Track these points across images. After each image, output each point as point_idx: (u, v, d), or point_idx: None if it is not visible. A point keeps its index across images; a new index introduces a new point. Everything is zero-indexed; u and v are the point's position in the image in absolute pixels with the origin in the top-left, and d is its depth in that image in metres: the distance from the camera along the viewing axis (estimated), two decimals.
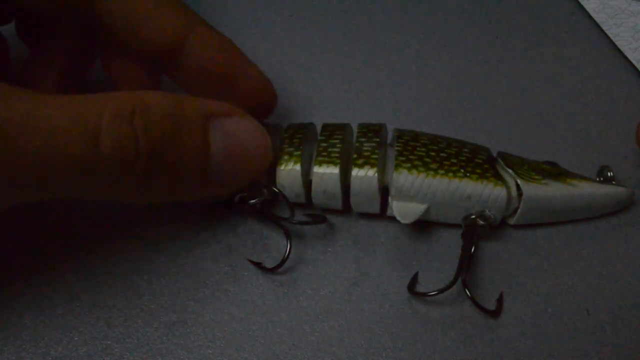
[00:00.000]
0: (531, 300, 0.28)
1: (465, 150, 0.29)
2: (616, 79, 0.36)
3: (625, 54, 0.37)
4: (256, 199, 0.29)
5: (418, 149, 0.28)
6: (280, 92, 0.31)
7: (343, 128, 0.30)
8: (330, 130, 0.30)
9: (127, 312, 0.27)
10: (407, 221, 0.28)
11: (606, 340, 0.27)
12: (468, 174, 0.28)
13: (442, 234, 0.30)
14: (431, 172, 0.28)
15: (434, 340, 0.27)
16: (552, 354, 0.26)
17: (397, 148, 0.29)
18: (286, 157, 0.29)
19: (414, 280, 0.28)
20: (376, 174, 0.28)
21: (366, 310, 0.27)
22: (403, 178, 0.28)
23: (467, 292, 0.26)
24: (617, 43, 0.38)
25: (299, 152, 0.29)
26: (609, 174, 0.30)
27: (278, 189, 0.29)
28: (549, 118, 0.35)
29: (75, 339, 0.27)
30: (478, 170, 0.28)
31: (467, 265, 0.27)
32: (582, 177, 0.30)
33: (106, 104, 0.23)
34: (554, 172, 0.29)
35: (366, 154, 0.28)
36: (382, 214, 0.29)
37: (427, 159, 0.28)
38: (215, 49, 0.29)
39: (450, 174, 0.28)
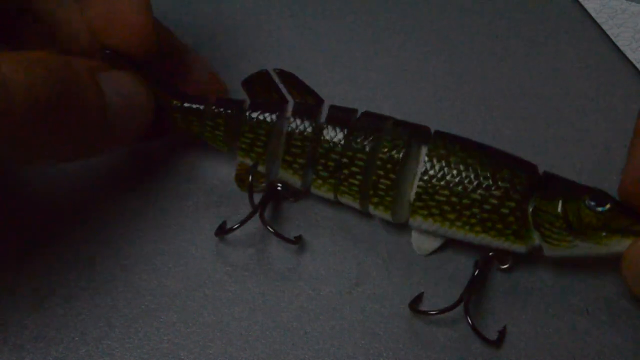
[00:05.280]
0: (531, 301, 0.28)
1: (495, 192, 0.27)
2: (616, 79, 0.36)
3: (626, 54, 0.37)
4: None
5: (440, 192, 0.27)
6: None
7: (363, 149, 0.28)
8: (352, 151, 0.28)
9: (127, 312, 0.27)
10: (422, 254, 0.29)
11: (606, 340, 0.27)
12: (486, 230, 0.27)
13: None
14: (447, 223, 0.27)
15: (434, 340, 0.27)
16: (553, 354, 0.26)
17: (418, 189, 0.27)
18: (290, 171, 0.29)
19: (418, 299, 0.27)
20: (390, 216, 0.28)
21: (367, 311, 0.27)
22: (418, 223, 0.28)
23: (469, 320, 0.26)
24: (617, 43, 0.38)
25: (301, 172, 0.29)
26: None
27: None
28: (549, 118, 0.35)
29: (76, 339, 0.27)
30: (499, 226, 0.27)
31: (473, 291, 0.27)
32: (632, 232, 0.26)
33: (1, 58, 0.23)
34: (594, 224, 0.26)
35: (381, 193, 0.28)
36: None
37: (446, 207, 0.27)
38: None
39: (467, 227, 0.27)
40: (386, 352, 0.26)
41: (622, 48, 0.37)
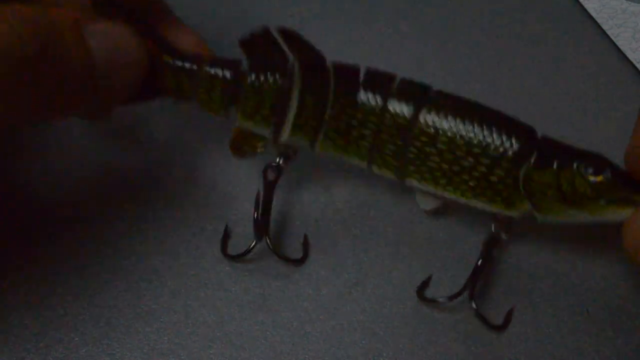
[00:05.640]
0: (531, 301, 0.28)
1: (484, 160, 0.26)
2: (616, 79, 0.36)
3: (626, 54, 0.37)
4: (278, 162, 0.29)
5: (431, 157, 0.27)
6: None
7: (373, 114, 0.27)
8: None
9: (127, 312, 0.27)
10: (427, 208, 0.29)
11: (606, 340, 0.27)
12: (477, 195, 0.27)
13: (444, 235, 0.30)
14: (440, 187, 0.27)
15: (434, 340, 0.27)
16: (553, 354, 0.26)
17: (410, 155, 0.27)
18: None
19: (424, 284, 0.28)
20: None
21: (367, 310, 0.27)
22: (413, 184, 0.28)
23: (474, 305, 0.26)
24: (617, 43, 0.38)
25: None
26: None
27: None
28: (549, 118, 0.35)
29: (76, 339, 0.27)
30: (488, 193, 0.27)
31: (477, 277, 0.27)
32: (629, 202, 0.25)
33: None
34: (589, 193, 0.25)
35: (388, 158, 0.27)
36: None
37: (437, 173, 0.27)
38: None
39: (459, 192, 0.27)
40: (386, 352, 0.26)
41: (622, 48, 0.37)
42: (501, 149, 0.26)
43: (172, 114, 0.34)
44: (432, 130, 0.27)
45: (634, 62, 0.37)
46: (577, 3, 0.40)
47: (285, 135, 0.28)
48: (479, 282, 0.27)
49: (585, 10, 0.40)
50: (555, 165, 0.26)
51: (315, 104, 0.27)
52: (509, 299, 0.28)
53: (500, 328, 0.27)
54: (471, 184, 0.27)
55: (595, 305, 0.28)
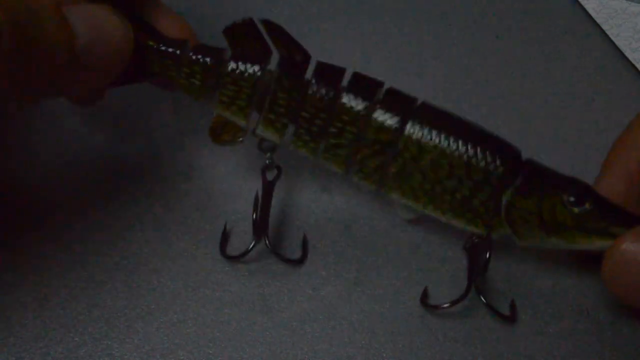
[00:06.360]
0: (531, 301, 0.28)
1: (467, 183, 0.26)
2: (616, 79, 0.36)
3: (625, 54, 0.37)
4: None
5: (414, 174, 0.27)
6: None
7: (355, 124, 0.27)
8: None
9: (127, 312, 0.27)
10: (407, 218, 0.29)
11: (606, 340, 0.27)
12: (457, 216, 0.27)
13: (444, 234, 0.30)
14: (420, 204, 0.27)
15: (434, 340, 0.27)
16: (553, 354, 0.26)
17: (393, 169, 0.27)
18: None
19: (424, 294, 0.28)
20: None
21: (366, 311, 0.27)
22: (395, 197, 0.28)
23: (483, 299, 0.26)
24: (617, 43, 0.38)
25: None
26: None
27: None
28: (549, 118, 0.35)
29: (76, 339, 0.27)
30: (469, 215, 0.27)
31: (481, 271, 0.27)
32: (608, 234, 0.25)
33: None
34: (568, 223, 0.25)
35: (368, 170, 0.27)
36: None
37: (419, 192, 0.27)
38: None
39: (439, 211, 0.27)
40: (386, 352, 0.26)
41: (622, 48, 0.37)
42: (483, 174, 0.26)
43: (171, 113, 0.34)
44: (414, 150, 0.26)
45: (634, 62, 0.37)
46: (576, 3, 0.40)
47: (259, 128, 0.28)
48: (482, 279, 0.27)
49: (584, 10, 0.40)
50: (537, 194, 0.26)
51: (289, 101, 0.27)
52: (508, 299, 0.28)
53: (510, 318, 0.27)
54: (453, 205, 0.27)
55: (595, 305, 0.28)
